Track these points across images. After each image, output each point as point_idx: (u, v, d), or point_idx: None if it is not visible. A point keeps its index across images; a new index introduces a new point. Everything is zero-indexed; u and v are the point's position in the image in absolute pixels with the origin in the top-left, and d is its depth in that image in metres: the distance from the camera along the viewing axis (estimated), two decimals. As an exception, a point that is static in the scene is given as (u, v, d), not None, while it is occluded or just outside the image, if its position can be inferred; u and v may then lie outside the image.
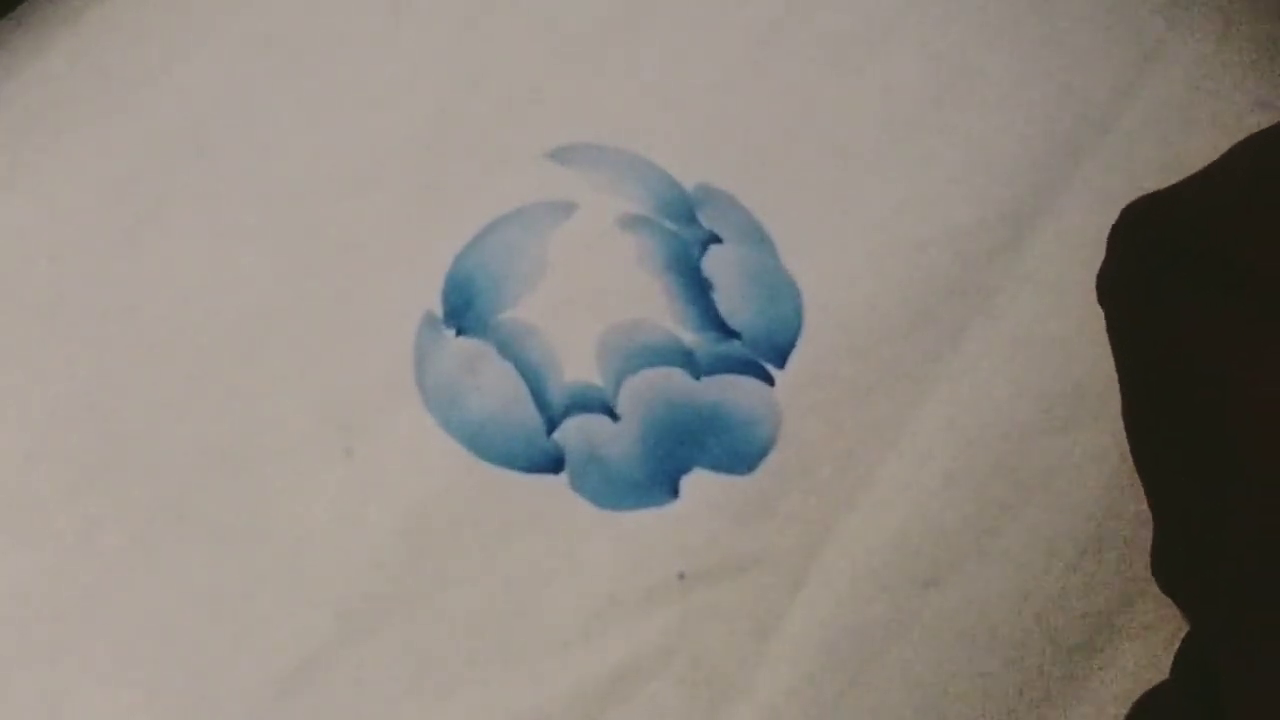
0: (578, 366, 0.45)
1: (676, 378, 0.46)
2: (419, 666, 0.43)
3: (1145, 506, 0.35)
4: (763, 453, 0.45)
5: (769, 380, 0.46)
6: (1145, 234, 0.34)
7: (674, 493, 0.45)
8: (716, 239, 0.47)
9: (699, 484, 0.45)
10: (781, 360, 0.46)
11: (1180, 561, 0.34)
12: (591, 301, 0.46)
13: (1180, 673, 0.35)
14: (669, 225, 0.47)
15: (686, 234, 0.47)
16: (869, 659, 0.43)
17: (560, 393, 0.45)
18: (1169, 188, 0.34)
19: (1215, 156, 0.34)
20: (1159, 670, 0.37)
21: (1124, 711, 0.39)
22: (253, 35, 0.49)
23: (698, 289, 0.46)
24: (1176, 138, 0.49)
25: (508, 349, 0.45)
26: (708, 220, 0.47)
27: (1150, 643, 0.44)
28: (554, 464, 0.45)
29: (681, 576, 0.44)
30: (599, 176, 0.47)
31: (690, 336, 0.46)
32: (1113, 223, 0.36)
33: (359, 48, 0.49)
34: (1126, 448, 0.36)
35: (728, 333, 0.46)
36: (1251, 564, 0.30)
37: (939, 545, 0.44)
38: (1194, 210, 0.33)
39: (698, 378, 0.46)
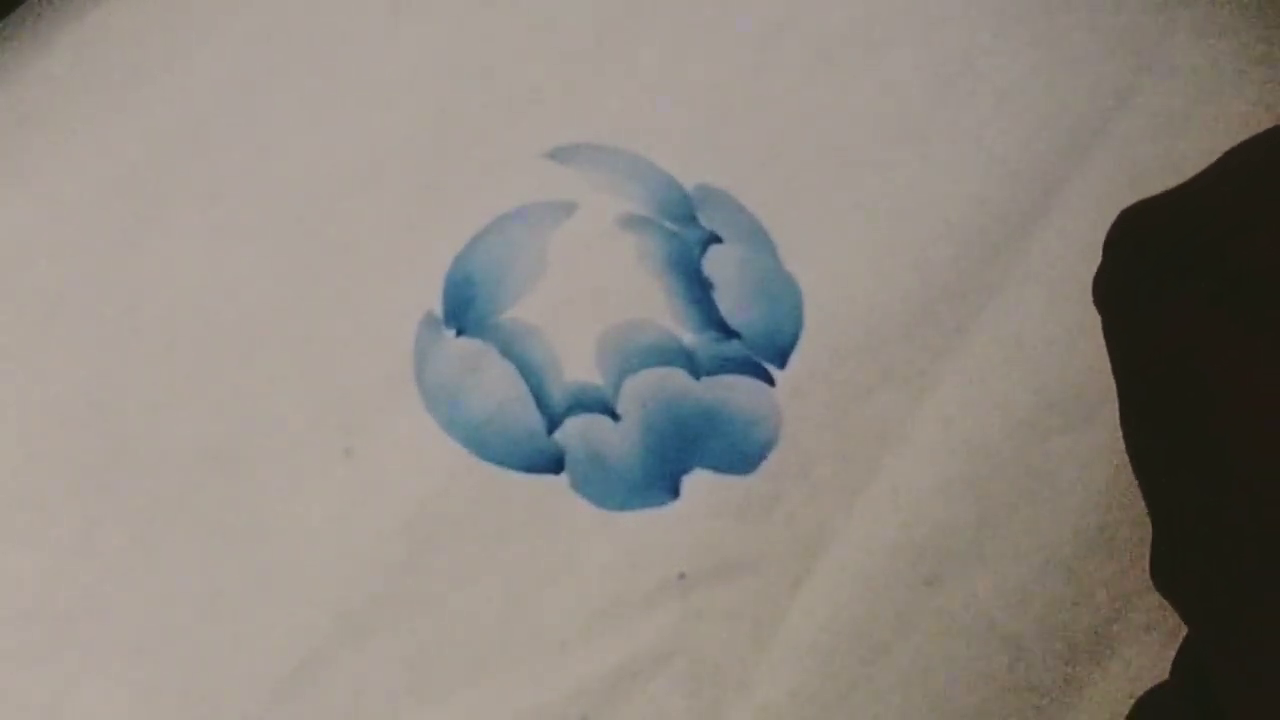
0: (578, 366, 0.45)
1: (677, 378, 0.46)
2: (419, 666, 0.43)
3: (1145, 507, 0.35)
4: (763, 453, 0.45)
5: (769, 380, 0.46)
6: (1141, 237, 0.34)
7: (674, 493, 0.45)
8: (716, 239, 0.47)
9: (699, 484, 0.45)
10: (782, 360, 0.46)
11: (1176, 564, 0.33)
12: (591, 301, 0.46)
13: (1180, 673, 0.35)
14: (669, 225, 0.47)
15: (686, 234, 0.47)
16: (869, 659, 0.43)
17: (560, 392, 0.45)
18: (1165, 192, 0.34)
19: (1214, 158, 0.34)
20: (1159, 670, 0.37)
21: (1124, 711, 0.39)
22: (253, 35, 0.49)
23: (698, 289, 0.46)
24: (1176, 138, 0.49)
25: (508, 349, 0.45)
26: (708, 220, 0.47)
27: (1150, 643, 0.44)
28: (554, 464, 0.45)
29: (681, 576, 0.44)
30: (599, 176, 0.47)
31: (690, 336, 0.46)
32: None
33: (359, 47, 0.49)
34: (1126, 448, 0.36)
35: (728, 333, 0.46)
36: (1245, 564, 0.30)
37: (939, 545, 0.44)
38: (1190, 211, 0.33)
39: (698, 378, 0.46)
